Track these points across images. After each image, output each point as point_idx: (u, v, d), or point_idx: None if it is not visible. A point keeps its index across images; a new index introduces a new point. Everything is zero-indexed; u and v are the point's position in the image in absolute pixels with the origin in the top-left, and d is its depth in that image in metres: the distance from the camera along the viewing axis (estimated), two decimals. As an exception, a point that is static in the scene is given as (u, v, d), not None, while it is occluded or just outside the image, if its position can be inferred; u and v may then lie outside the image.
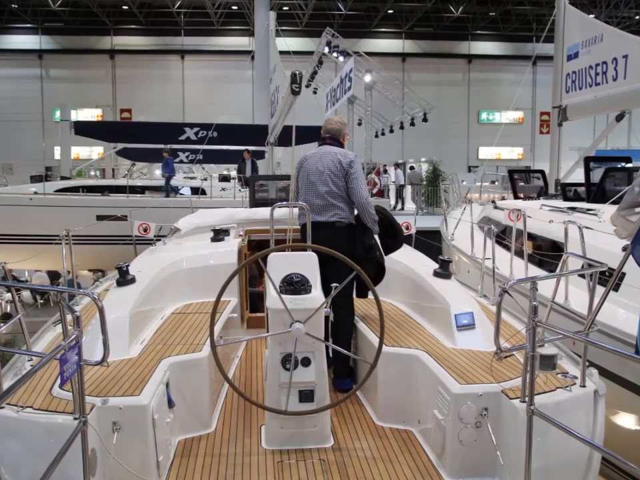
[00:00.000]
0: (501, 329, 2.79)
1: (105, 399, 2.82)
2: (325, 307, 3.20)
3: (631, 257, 2.88)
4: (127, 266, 4.26)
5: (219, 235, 5.57)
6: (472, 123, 37.19)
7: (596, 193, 7.54)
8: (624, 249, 3.09)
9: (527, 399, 2.56)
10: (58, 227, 5.10)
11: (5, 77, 34.04)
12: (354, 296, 4.26)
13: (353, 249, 4.04)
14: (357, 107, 26.63)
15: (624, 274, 4.60)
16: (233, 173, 20.23)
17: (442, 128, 34.33)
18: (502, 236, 7.34)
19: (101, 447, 2.70)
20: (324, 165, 4.12)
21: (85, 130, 20.54)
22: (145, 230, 6.55)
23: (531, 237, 6.55)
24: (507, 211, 6.60)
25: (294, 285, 3.25)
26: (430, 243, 9.73)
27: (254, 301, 5.75)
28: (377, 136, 27.44)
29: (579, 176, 9.32)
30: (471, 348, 3.57)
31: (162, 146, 18.46)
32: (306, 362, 3.28)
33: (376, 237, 4.31)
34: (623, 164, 9.79)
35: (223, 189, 17.43)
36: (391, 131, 26.96)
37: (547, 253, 6.21)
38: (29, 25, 34.26)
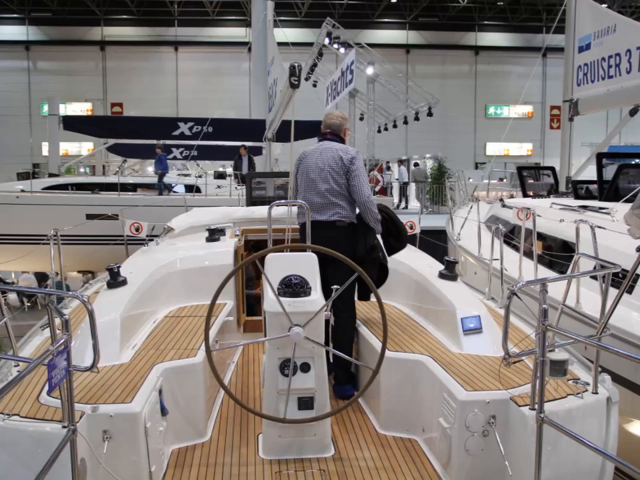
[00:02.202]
0: (510, 333, 2.79)
1: (95, 406, 2.81)
2: (325, 310, 3.20)
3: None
4: (118, 267, 4.26)
5: (215, 234, 5.57)
6: (479, 118, 37.22)
7: (609, 191, 7.55)
8: (638, 249, 3.09)
9: (536, 406, 2.56)
10: (46, 226, 5.09)
11: (-9, 69, 34.11)
12: (355, 298, 4.27)
13: (355, 250, 4.05)
14: (358, 101, 26.66)
15: (638, 275, 4.59)
16: (229, 170, 20.24)
17: (447, 123, 34.38)
18: (510, 236, 7.33)
19: (90, 457, 2.70)
20: (324, 162, 4.12)
21: (74, 125, 20.52)
22: (137, 229, 6.56)
23: (541, 236, 6.55)
24: (516, 209, 6.60)
25: (293, 287, 3.25)
26: (435, 243, 9.72)
27: (251, 304, 5.76)
28: (379, 131, 27.49)
29: (591, 173, 9.33)
30: (478, 353, 3.57)
31: (155, 142, 18.46)
32: (305, 367, 3.28)
33: (378, 236, 4.31)
34: (637, 160, 9.79)
35: (219, 187, 17.44)
36: (395, 126, 27.02)
37: (558, 254, 6.21)
38: (15, 15, 34.28)
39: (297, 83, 5.84)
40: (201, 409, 3.53)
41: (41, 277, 17.02)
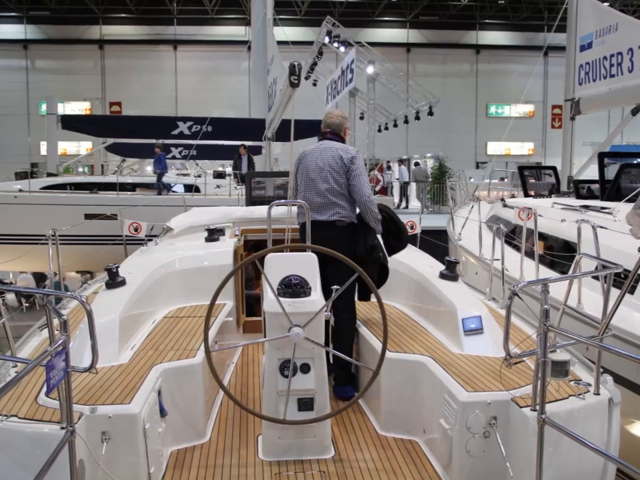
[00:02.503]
0: (511, 334, 2.79)
1: (94, 407, 2.81)
2: (325, 311, 3.20)
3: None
4: (117, 267, 4.27)
5: (214, 234, 5.57)
6: (480, 117, 37.22)
7: (610, 191, 7.55)
8: (640, 249, 3.10)
9: (537, 407, 2.56)
10: (44, 226, 5.10)
11: (-11, 68, 34.09)
12: (356, 299, 4.27)
13: (355, 250, 4.05)
14: (359, 100, 26.68)
15: (640, 276, 4.60)
16: (229, 170, 20.23)
17: (448, 122, 34.38)
18: (512, 236, 7.34)
19: (89, 458, 2.70)
20: (324, 161, 4.12)
21: (73, 124, 20.50)
22: (136, 229, 6.56)
23: (542, 236, 6.55)
24: (517, 209, 6.59)
25: (293, 287, 3.25)
26: (436, 243, 9.74)
27: (250, 304, 5.76)
28: (380, 130, 27.51)
29: (592, 172, 9.33)
30: (479, 354, 3.57)
31: (154, 141, 18.43)
32: (305, 368, 3.28)
33: (379, 236, 4.32)
34: (639, 160, 9.78)
35: (218, 187, 17.43)
36: (395, 125, 27.04)
37: (559, 254, 6.21)
38: (13, 14, 34.26)
39: (296, 81, 5.84)
40: (200, 410, 3.53)
41: (39, 277, 17.01)
